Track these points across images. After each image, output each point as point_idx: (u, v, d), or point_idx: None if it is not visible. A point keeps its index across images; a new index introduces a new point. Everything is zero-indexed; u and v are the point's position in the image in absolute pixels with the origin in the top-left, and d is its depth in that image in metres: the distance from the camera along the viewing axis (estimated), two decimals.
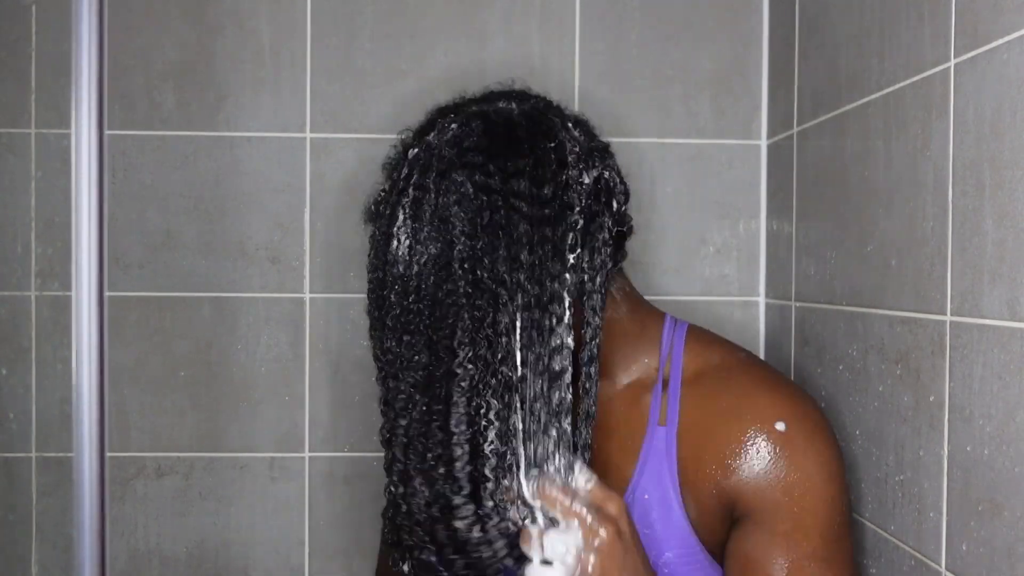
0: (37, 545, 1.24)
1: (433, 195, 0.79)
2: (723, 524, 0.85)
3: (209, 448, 1.26)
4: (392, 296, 0.80)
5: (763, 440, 0.84)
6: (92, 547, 0.55)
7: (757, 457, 0.84)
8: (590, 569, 0.73)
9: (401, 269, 0.80)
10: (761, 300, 1.28)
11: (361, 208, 0.90)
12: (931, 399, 0.80)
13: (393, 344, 0.80)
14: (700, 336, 0.93)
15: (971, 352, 0.74)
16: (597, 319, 0.82)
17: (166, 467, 1.26)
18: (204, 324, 1.25)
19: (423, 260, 0.78)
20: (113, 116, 1.23)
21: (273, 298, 1.26)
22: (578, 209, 0.80)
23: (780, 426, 0.84)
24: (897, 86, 0.86)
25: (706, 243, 1.28)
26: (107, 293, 0.56)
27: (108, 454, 0.54)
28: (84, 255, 0.53)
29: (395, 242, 0.81)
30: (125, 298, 1.24)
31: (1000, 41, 0.70)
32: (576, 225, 0.80)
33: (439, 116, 0.87)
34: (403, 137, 0.89)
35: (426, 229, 0.78)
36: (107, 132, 0.55)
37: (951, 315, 0.77)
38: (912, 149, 0.83)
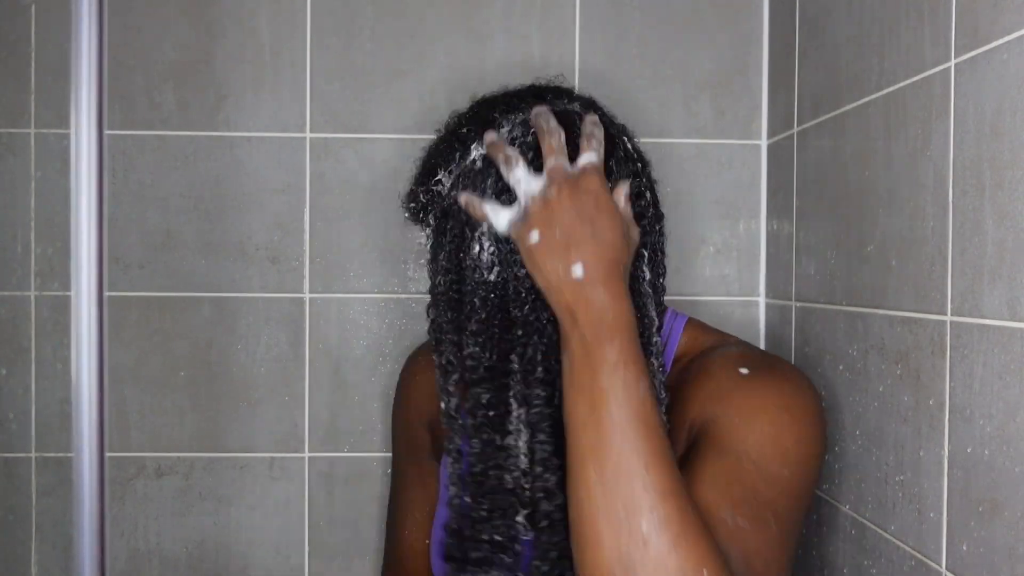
0: (37, 545, 1.24)
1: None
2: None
3: (209, 448, 1.26)
4: (476, 300, 0.81)
5: (725, 380, 0.81)
6: (92, 547, 0.55)
7: (716, 393, 0.81)
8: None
9: (486, 275, 0.80)
10: (761, 300, 1.28)
11: (398, 199, 0.91)
12: (931, 399, 0.80)
13: (477, 350, 0.80)
14: (698, 324, 0.94)
15: (971, 352, 0.74)
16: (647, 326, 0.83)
17: (166, 467, 1.26)
18: (204, 324, 1.25)
19: (512, 272, 0.80)
20: (113, 116, 1.23)
21: (273, 298, 1.26)
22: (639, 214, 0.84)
23: (743, 371, 0.82)
24: (897, 86, 0.86)
25: (706, 243, 1.28)
26: (107, 293, 0.56)
27: (108, 454, 0.54)
28: (84, 255, 0.53)
29: (477, 247, 0.81)
30: (125, 298, 1.24)
31: (1000, 41, 0.70)
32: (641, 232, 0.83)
33: (489, 109, 0.87)
34: (450, 125, 0.89)
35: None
36: (107, 132, 0.55)
37: (951, 315, 0.77)
38: (912, 149, 0.83)
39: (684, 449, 0.82)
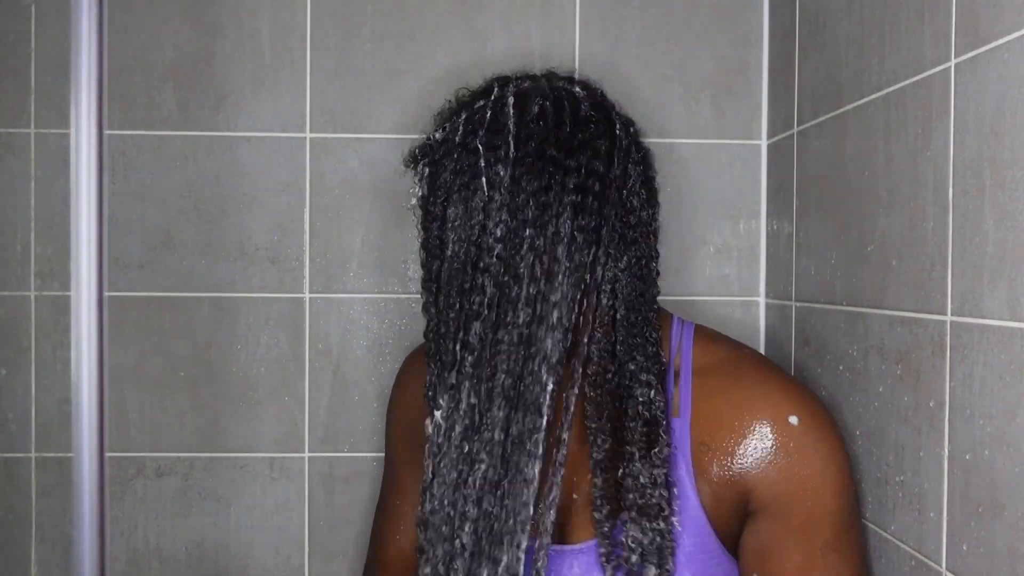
0: (37, 545, 1.24)
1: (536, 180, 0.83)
2: (737, 515, 0.86)
3: (209, 448, 1.26)
4: (491, 282, 0.82)
5: (777, 434, 0.85)
6: (92, 547, 0.54)
7: (772, 451, 0.85)
8: None
9: (504, 252, 0.82)
10: (761, 300, 1.28)
11: (403, 203, 0.92)
12: (931, 399, 0.80)
13: (507, 334, 0.82)
14: (707, 333, 0.95)
15: (971, 352, 0.73)
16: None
17: (166, 467, 1.26)
18: (204, 324, 1.25)
19: (528, 243, 0.82)
20: (113, 116, 1.23)
21: (273, 298, 1.26)
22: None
23: (793, 420, 0.85)
24: (897, 86, 0.86)
25: (706, 243, 1.28)
26: (107, 293, 0.56)
27: (108, 454, 0.54)
28: (84, 255, 0.53)
29: (491, 223, 0.82)
30: (125, 298, 1.24)
31: (1000, 41, 0.70)
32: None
33: (504, 83, 0.91)
34: (460, 96, 0.92)
35: (528, 213, 0.82)
36: (107, 132, 0.55)
37: (951, 315, 0.76)
38: (912, 149, 0.83)
39: (727, 483, 0.86)
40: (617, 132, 0.89)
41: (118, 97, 1.23)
